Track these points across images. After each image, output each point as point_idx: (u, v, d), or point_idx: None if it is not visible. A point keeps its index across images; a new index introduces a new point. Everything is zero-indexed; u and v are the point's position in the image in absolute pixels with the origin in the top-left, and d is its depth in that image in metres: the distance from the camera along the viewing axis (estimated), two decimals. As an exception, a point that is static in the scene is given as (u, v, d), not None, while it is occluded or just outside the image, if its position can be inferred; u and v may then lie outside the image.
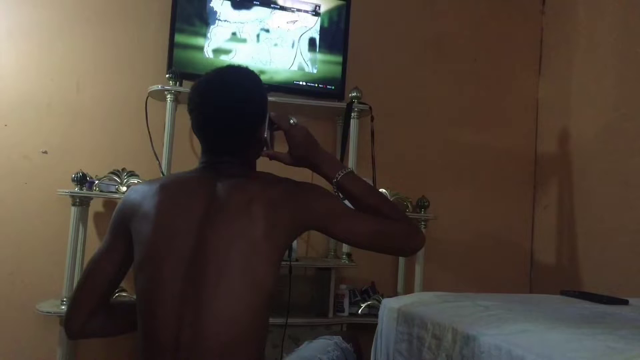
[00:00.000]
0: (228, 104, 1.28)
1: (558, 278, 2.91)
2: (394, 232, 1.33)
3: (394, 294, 2.75)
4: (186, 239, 1.19)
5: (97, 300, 1.30)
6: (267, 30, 2.66)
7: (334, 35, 2.74)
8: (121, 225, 1.29)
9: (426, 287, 2.65)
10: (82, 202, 2.38)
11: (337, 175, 1.36)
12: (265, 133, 1.34)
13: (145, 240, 1.21)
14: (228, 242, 1.18)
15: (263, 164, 1.40)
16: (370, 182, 2.47)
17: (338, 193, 1.37)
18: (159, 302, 1.17)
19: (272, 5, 2.66)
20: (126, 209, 1.29)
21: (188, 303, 1.15)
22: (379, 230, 1.31)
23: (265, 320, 1.21)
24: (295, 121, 1.40)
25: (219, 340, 1.14)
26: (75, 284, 2.37)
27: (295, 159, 1.39)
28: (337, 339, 1.60)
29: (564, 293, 1.97)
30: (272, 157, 1.39)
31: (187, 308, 1.15)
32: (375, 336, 1.76)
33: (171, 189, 1.26)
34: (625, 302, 1.78)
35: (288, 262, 2.28)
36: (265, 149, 1.37)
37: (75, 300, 1.32)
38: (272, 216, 1.20)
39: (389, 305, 1.72)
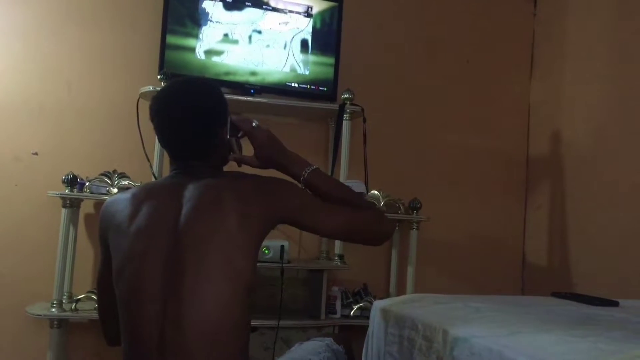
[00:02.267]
0: (183, 104, 1.34)
1: (550, 279, 2.92)
2: (364, 220, 1.38)
3: (387, 295, 2.74)
4: (162, 241, 1.21)
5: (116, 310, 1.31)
6: (259, 32, 2.65)
7: (326, 36, 2.73)
8: (103, 237, 1.34)
9: (418, 288, 2.64)
10: (72, 204, 2.37)
11: (304, 173, 1.39)
12: (228, 135, 1.37)
13: (121, 249, 1.24)
14: (203, 237, 1.20)
15: (233, 169, 1.42)
16: (363, 184, 2.48)
17: (306, 190, 1.40)
18: (140, 305, 1.19)
19: (264, 7, 2.66)
20: (102, 223, 1.34)
21: (169, 302, 1.17)
22: (348, 219, 1.36)
23: (246, 315, 1.22)
24: (257, 123, 1.42)
25: (202, 336, 1.16)
26: (65, 287, 2.37)
27: (262, 161, 1.42)
28: (329, 340, 1.60)
29: (555, 295, 1.97)
30: (239, 161, 1.42)
31: (168, 308, 1.17)
32: (366, 338, 1.76)
33: (143, 197, 1.29)
34: (615, 304, 1.79)
35: (280, 264, 2.29)
36: (231, 153, 1.40)
37: (101, 316, 1.43)
38: (243, 208, 1.23)
39: (380, 307, 1.72)
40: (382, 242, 1.44)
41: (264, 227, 1.28)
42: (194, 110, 1.33)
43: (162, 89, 1.44)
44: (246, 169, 1.42)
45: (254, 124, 1.41)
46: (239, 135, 1.42)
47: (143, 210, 1.25)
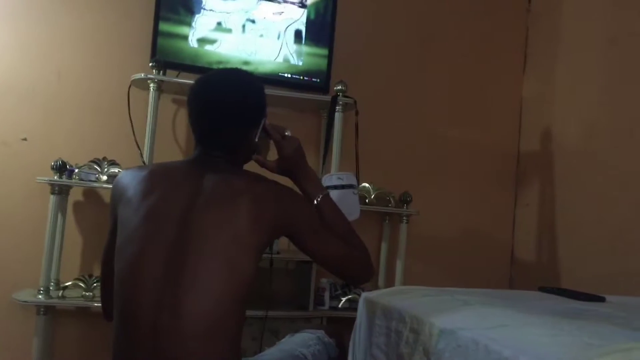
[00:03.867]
0: (225, 99, 1.34)
1: (538, 275, 2.94)
2: (356, 261, 1.43)
3: (375, 288, 2.74)
4: (169, 226, 1.21)
5: None
6: (253, 21, 2.64)
7: (320, 27, 2.72)
8: (112, 208, 1.33)
9: (407, 282, 2.66)
10: (61, 191, 2.35)
11: (318, 197, 1.45)
12: (257, 138, 1.39)
13: (128, 224, 1.23)
14: (211, 231, 1.20)
15: (252, 169, 1.42)
16: (354, 177, 2.47)
17: (316, 213, 1.43)
18: (138, 286, 1.18)
19: (258, -4, 2.64)
20: (115, 193, 1.33)
21: (168, 288, 1.16)
22: (344, 255, 1.40)
23: (243, 309, 1.23)
24: (289, 133, 1.46)
25: (197, 325, 1.15)
26: (52, 274, 2.36)
27: (281, 170, 1.47)
28: (320, 333, 1.61)
29: (542, 289, 1.98)
30: (260, 163, 1.46)
31: (166, 293, 1.16)
32: (353, 329, 1.76)
33: (158, 177, 1.29)
34: (602, 299, 1.80)
35: (269, 255, 2.28)
36: (256, 153, 1.43)
37: (103, 293, 1.42)
38: (256, 211, 1.23)
39: (368, 298, 1.72)
40: (359, 284, 1.50)
41: (271, 234, 1.29)
42: (236, 106, 1.35)
43: (211, 73, 1.44)
44: (264, 171, 1.45)
45: (286, 133, 1.45)
46: (267, 138, 1.45)
47: (157, 192, 1.25)
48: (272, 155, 1.50)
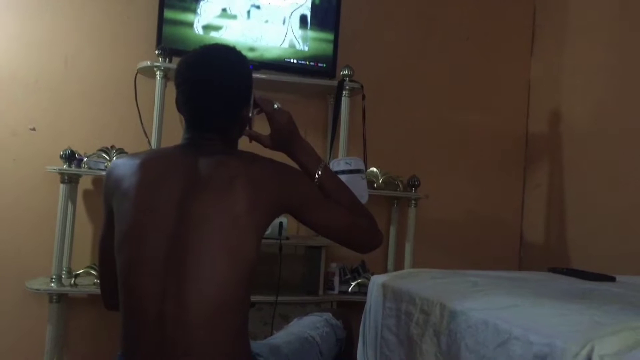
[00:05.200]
0: (215, 79, 1.29)
1: (547, 256, 2.93)
2: (363, 227, 1.40)
3: (384, 272, 2.75)
4: (168, 215, 1.19)
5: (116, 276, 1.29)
6: (258, 7, 2.63)
7: (325, 12, 2.71)
8: (107, 202, 1.30)
9: (416, 265, 2.66)
10: (71, 180, 2.37)
11: (318, 170, 1.40)
12: (250, 113, 1.36)
13: (126, 218, 1.22)
14: (209, 217, 1.19)
15: (242, 145, 1.40)
16: (362, 161, 2.48)
17: (316, 185, 1.40)
18: (142, 278, 1.18)
19: (263, -19, 2.63)
20: (108, 186, 1.31)
21: (171, 277, 1.16)
22: (350, 224, 1.38)
23: (247, 293, 1.22)
24: (279, 106, 1.41)
25: (203, 313, 1.15)
26: (64, 262, 2.38)
27: (275, 143, 1.43)
28: (327, 315, 1.61)
29: (552, 270, 1.98)
30: (252, 137, 1.42)
31: (170, 282, 1.16)
32: (364, 312, 1.77)
33: (152, 166, 1.27)
34: (612, 279, 1.79)
35: (279, 241, 2.29)
36: (248, 128, 1.39)
37: (102, 284, 1.40)
38: (254, 192, 1.21)
39: (378, 281, 1.73)
40: (368, 252, 1.46)
41: (271, 214, 1.27)
42: (225, 85, 1.30)
43: (193, 54, 1.35)
44: (256, 146, 1.41)
45: (275, 105, 1.40)
46: (257, 111, 1.41)
47: (151, 181, 1.23)
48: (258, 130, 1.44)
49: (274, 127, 1.40)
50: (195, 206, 1.19)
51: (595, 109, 2.73)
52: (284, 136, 1.42)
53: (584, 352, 0.97)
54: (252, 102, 1.36)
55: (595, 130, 2.72)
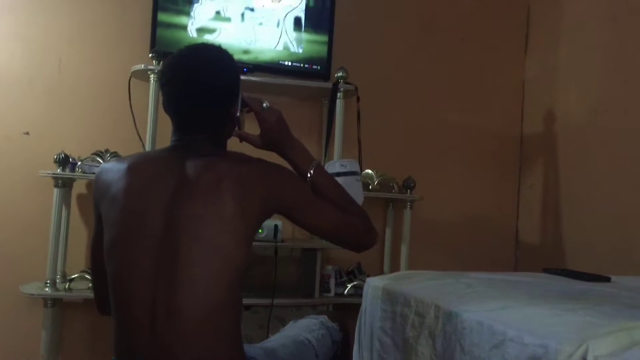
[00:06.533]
0: (199, 76, 1.27)
1: (543, 256, 2.93)
2: (355, 226, 1.37)
3: (380, 274, 2.75)
4: (156, 219, 1.18)
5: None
6: (252, 9, 2.62)
7: (319, 14, 2.71)
8: (96, 205, 1.30)
9: (412, 267, 2.66)
10: (64, 184, 2.36)
11: (310, 169, 1.37)
12: (238, 112, 1.33)
13: (114, 222, 1.21)
14: (198, 220, 1.17)
15: (233, 146, 1.39)
16: (357, 164, 2.48)
17: (307, 184, 1.38)
18: (132, 283, 1.17)
19: (256, -16, 2.63)
20: (96, 191, 1.30)
21: (161, 282, 1.15)
22: (339, 222, 1.34)
23: (239, 296, 1.21)
24: (268, 105, 1.39)
25: (194, 316, 1.14)
26: (58, 267, 2.37)
27: (266, 143, 1.40)
28: (323, 318, 1.61)
29: (546, 271, 1.98)
30: (242, 138, 1.39)
31: (160, 287, 1.15)
32: (359, 314, 1.77)
33: (140, 170, 1.25)
34: (607, 280, 1.80)
35: (274, 243, 2.29)
36: (237, 128, 1.37)
37: (95, 289, 1.39)
38: (242, 194, 1.20)
39: (373, 284, 1.72)
40: (363, 250, 1.43)
41: (262, 215, 1.25)
42: (210, 83, 1.27)
43: (177, 54, 1.33)
44: (246, 147, 1.39)
45: (264, 104, 1.38)
46: (245, 110, 1.39)
47: (139, 186, 1.22)
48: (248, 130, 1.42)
49: (264, 126, 1.38)
50: (183, 209, 1.18)
51: (590, 108, 2.74)
52: (274, 135, 1.39)
53: (579, 353, 0.97)
54: (240, 101, 1.34)
55: (590, 129, 2.72)
